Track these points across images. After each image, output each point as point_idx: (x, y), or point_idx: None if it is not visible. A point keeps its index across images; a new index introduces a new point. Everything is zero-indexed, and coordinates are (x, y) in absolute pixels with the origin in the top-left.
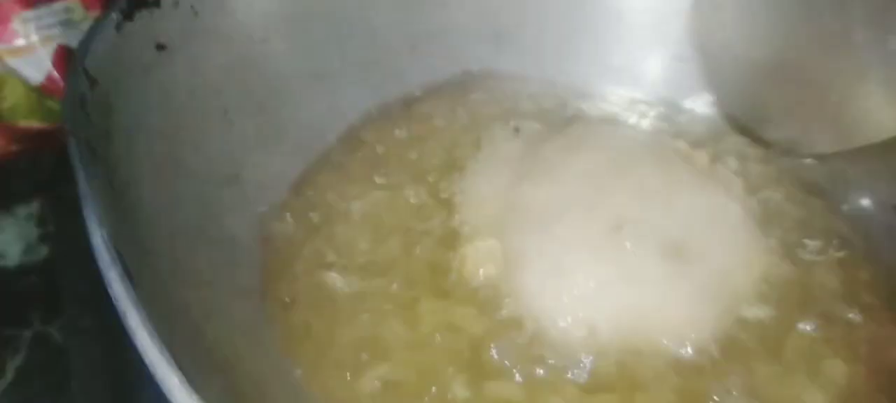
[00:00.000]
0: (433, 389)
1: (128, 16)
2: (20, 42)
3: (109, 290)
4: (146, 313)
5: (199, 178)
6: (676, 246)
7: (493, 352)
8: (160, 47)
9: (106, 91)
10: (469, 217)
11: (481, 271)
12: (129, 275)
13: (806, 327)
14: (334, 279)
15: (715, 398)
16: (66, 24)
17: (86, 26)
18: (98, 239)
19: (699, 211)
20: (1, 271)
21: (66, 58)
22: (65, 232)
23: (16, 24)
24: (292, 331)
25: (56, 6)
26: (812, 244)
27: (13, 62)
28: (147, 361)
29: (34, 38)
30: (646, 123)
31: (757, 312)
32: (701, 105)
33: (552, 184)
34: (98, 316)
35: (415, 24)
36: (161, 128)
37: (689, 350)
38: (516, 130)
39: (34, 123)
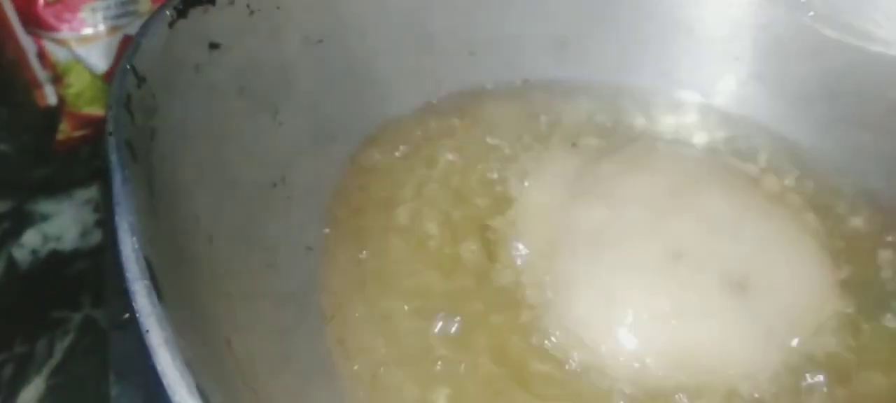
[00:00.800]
0: None
1: (182, 13)
2: (88, 31)
3: (133, 303)
4: (171, 330)
5: (243, 181)
6: (740, 279)
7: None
8: (213, 46)
9: (153, 90)
10: (518, 235)
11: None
12: (157, 290)
13: (878, 377)
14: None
15: None
16: (134, 15)
17: None
18: (128, 247)
19: (767, 243)
20: (56, 253)
21: None
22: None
23: (84, 13)
24: (334, 346)
25: None
26: (892, 283)
27: (80, 50)
28: (165, 384)
29: (101, 27)
30: (714, 143)
31: (827, 355)
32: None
33: (607, 207)
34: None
35: (475, 30)
36: (208, 129)
37: (749, 392)
38: (574, 145)
39: (97, 111)
